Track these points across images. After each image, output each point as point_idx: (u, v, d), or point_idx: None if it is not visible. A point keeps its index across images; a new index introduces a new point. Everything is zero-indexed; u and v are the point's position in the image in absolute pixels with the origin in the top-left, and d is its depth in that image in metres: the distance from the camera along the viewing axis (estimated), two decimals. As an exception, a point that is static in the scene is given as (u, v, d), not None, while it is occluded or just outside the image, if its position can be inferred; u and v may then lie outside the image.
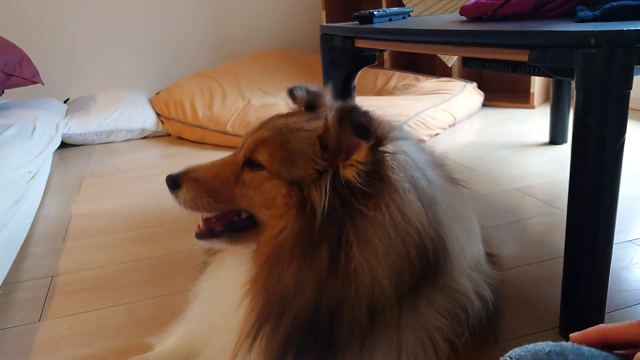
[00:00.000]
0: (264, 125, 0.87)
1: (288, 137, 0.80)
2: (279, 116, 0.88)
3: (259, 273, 0.78)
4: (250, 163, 0.83)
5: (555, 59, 0.96)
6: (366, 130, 0.72)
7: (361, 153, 0.73)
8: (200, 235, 0.89)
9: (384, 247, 0.72)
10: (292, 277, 0.74)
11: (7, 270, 1.42)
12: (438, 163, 0.94)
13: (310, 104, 0.96)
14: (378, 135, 0.73)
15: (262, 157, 0.81)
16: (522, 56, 1.04)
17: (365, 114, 0.74)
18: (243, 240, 0.88)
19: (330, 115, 0.76)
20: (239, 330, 0.79)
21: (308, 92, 0.97)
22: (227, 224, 0.89)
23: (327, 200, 0.73)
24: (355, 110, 0.73)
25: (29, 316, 1.28)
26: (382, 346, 0.76)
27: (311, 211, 0.75)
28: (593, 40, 0.87)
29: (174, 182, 0.86)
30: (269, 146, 0.81)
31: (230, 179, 0.84)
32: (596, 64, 0.88)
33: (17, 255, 1.54)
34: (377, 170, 0.74)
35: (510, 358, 0.51)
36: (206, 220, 0.90)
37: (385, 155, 0.75)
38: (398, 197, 0.74)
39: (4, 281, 1.38)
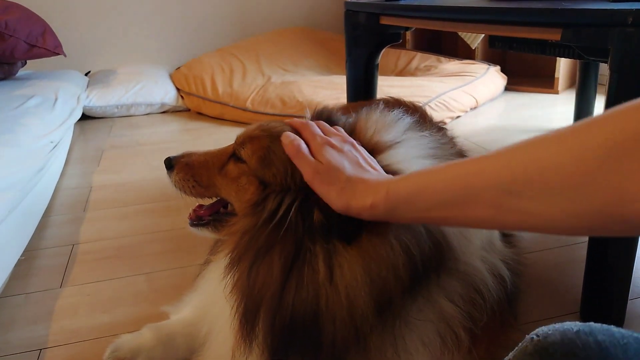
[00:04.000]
0: (262, 125, 0.87)
1: (276, 141, 0.81)
2: (282, 122, 0.88)
3: (229, 272, 0.78)
4: (235, 156, 0.86)
5: (589, 39, 0.93)
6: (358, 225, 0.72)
7: None
8: (191, 223, 0.95)
9: (362, 269, 0.71)
10: (246, 278, 0.75)
11: (30, 237, 1.44)
12: (440, 154, 0.89)
13: (319, 120, 0.94)
14: None
15: (245, 152, 0.84)
16: (554, 35, 1.02)
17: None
18: (225, 231, 0.91)
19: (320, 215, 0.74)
20: (235, 332, 0.79)
21: (318, 111, 0.96)
22: (214, 214, 0.95)
23: (281, 214, 0.74)
24: (341, 220, 0.71)
25: (50, 282, 1.30)
26: (381, 356, 0.75)
27: (260, 213, 0.76)
28: (630, 19, 0.84)
29: (169, 164, 0.94)
30: (255, 143, 0.83)
31: (215, 167, 0.90)
32: (632, 43, 0.85)
33: (39, 223, 1.56)
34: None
35: (537, 336, 0.50)
36: (197, 209, 0.96)
37: None
38: (378, 226, 0.72)
39: (26, 247, 1.40)
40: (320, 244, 0.72)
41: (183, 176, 0.92)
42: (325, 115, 0.94)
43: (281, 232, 0.73)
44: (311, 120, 0.94)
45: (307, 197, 0.74)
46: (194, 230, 0.95)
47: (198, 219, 0.95)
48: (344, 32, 1.83)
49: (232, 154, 0.88)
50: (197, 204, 0.97)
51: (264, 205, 0.77)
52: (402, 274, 0.72)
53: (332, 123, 0.93)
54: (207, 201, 0.96)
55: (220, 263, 0.94)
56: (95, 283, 1.30)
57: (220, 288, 0.81)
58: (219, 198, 0.94)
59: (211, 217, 0.94)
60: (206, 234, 0.95)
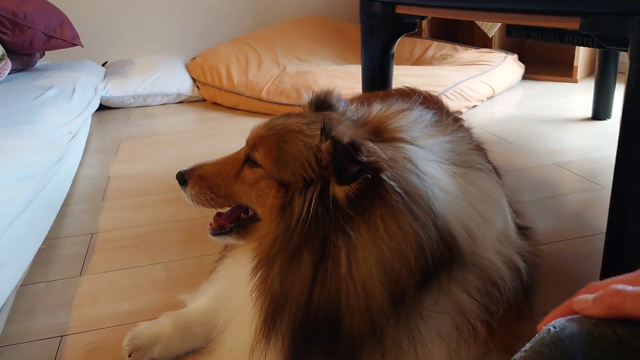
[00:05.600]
0: (267, 123, 0.87)
1: (285, 138, 0.81)
2: (285, 115, 0.88)
3: (256, 274, 0.79)
4: (249, 160, 0.86)
5: (608, 27, 0.92)
6: (364, 169, 0.71)
7: None
8: (213, 232, 0.94)
9: (375, 260, 0.72)
10: (278, 279, 0.75)
11: (50, 226, 1.46)
12: (453, 148, 0.88)
13: (320, 105, 0.94)
14: (373, 166, 0.72)
15: (258, 155, 0.83)
16: (573, 24, 1.00)
17: (359, 147, 0.71)
18: (250, 236, 0.91)
19: (325, 143, 0.74)
20: (254, 328, 0.80)
21: (316, 94, 0.95)
22: (235, 220, 0.93)
23: (306, 211, 0.74)
24: (347, 149, 0.71)
25: (70, 270, 1.33)
26: (398, 350, 0.76)
27: (290, 216, 0.76)
28: (652, 7, 0.83)
29: (182, 178, 0.92)
30: (266, 145, 0.82)
31: (230, 176, 0.89)
32: (654, 32, 0.84)
33: (59, 213, 1.58)
34: (370, 193, 0.73)
35: (554, 327, 0.50)
36: (216, 217, 0.95)
37: (380, 177, 0.73)
38: (392, 217, 0.72)
39: (47, 236, 1.42)
40: (342, 237, 0.72)
41: (199, 189, 0.91)
42: (322, 99, 0.94)
43: (311, 231, 0.73)
44: (309, 105, 0.94)
45: (326, 183, 0.74)
46: (216, 239, 0.94)
47: (220, 228, 0.94)
48: (359, 22, 1.82)
49: (245, 159, 0.87)
50: (216, 212, 0.96)
51: (292, 208, 0.76)
52: (414, 266, 0.72)
53: (330, 106, 0.92)
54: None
55: (237, 259, 0.95)
56: (114, 272, 1.32)
57: (239, 283, 0.82)
58: (237, 205, 0.93)
59: (233, 224, 0.93)
60: (230, 241, 0.94)
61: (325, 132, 0.75)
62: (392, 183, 0.72)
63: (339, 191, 0.73)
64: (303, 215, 0.74)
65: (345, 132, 0.76)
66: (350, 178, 0.72)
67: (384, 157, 0.74)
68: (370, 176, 0.71)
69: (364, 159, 0.71)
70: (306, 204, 0.74)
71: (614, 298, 0.49)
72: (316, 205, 0.74)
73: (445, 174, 0.81)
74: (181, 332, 0.99)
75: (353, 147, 0.71)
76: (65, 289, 1.26)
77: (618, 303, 0.48)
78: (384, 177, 0.72)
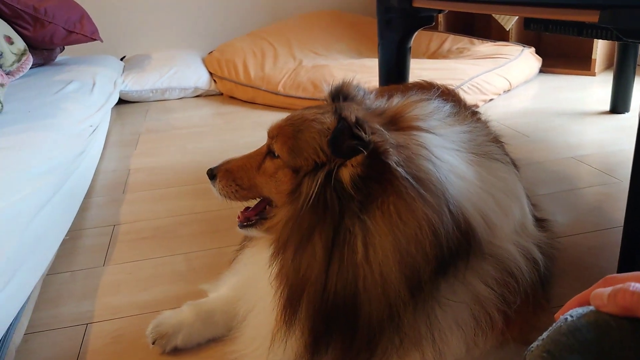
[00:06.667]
0: (287, 116, 0.89)
1: (300, 128, 0.83)
2: (304, 108, 0.90)
3: (274, 261, 0.81)
4: (270, 152, 0.89)
5: (628, 20, 0.91)
6: (362, 145, 0.73)
7: (357, 159, 0.74)
8: (240, 225, 0.97)
9: (391, 246, 0.73)
10: (293, 265, 0.77)
11: (73, 218, 1.50)
12: (471, 138, 0.89)
13: (339, 95, 0.96)
14: (376, 146, 0.73)
15: (277, 146, 0.86)
16: (592, 17, 1.00)
17: (362, 125, 0.73)
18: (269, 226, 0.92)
19: (332, 120, 0.77)
20: (275, 315, 0.82)
21: (335, 85, 0.97)
22: (260, 212, 0.96)
23: (314, 193, 0.76)
24: (349, 124, 0.73)
25: (93, 261, 1.36)
26: (416, 336, 0.77)
27: (298, 198, 0.78)
28: (672, 0, 0.83)
29: (211, 174, 0.96)
30: (283, 135, 0.85)
31: (253, 168, 0.92)
32: (674, 25, 0.84)
33: (81, 205, 1.61)
34: (379, 178, 0.74)
35: (572, 316, 0.51)
36: (244, 211, 0.98)
37: (387, 161, 0.74)
38: (404, 203, 0.74)
39: (70, 228, 1.45)
40: (358, 224, 0.74)
41: (225, 183, 0.94)
42: (341, 89, 0.95)
43: (320, 212, 0.75)
44: (329, 95, 0.96)
45: (335, 166, 0.76)
46: (243, 231, 0.97)
47: (246, 220, 0.96)
48: (376, 15, 1.83)
49: (267, 152, 0.90)
50: (244, 206, 0.98)
51: (300, 190, 0.79)
52: (429, 252, 0.73)
53: (348, 97, 0.94)
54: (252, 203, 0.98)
55: (257, 248, 0.97)
56: (135, 262, 1.35)
57: (259, 272, 0.84)
58: (262, 198, 0.96)
59: (257, 216, 0.96)
60: (254, 234, 0.97)
61: (335, 112, 0.77)
62: (400, 169, 0.74)
63: (345, 173, 0.75)
64: (310, 196, 0.76)
65: (354, 112, 0.78)
66: (345, 151, 0.74)
67: (389, 139, 0.75)
68: (366, 153, 0.73)
69: (364, 136, 0.73)
70: (313, 185, 0.76)
71: (628, 299, 0.49)
72: (323, 187, 0.76)
73: (462, 162, 0.82)
74: (203, 320, 1.01)
75: (356, 124, 0.73)
76: (89, 278, 1.29)
77: (632, 305, 0.48)
78: (391, 162, 0.74)
